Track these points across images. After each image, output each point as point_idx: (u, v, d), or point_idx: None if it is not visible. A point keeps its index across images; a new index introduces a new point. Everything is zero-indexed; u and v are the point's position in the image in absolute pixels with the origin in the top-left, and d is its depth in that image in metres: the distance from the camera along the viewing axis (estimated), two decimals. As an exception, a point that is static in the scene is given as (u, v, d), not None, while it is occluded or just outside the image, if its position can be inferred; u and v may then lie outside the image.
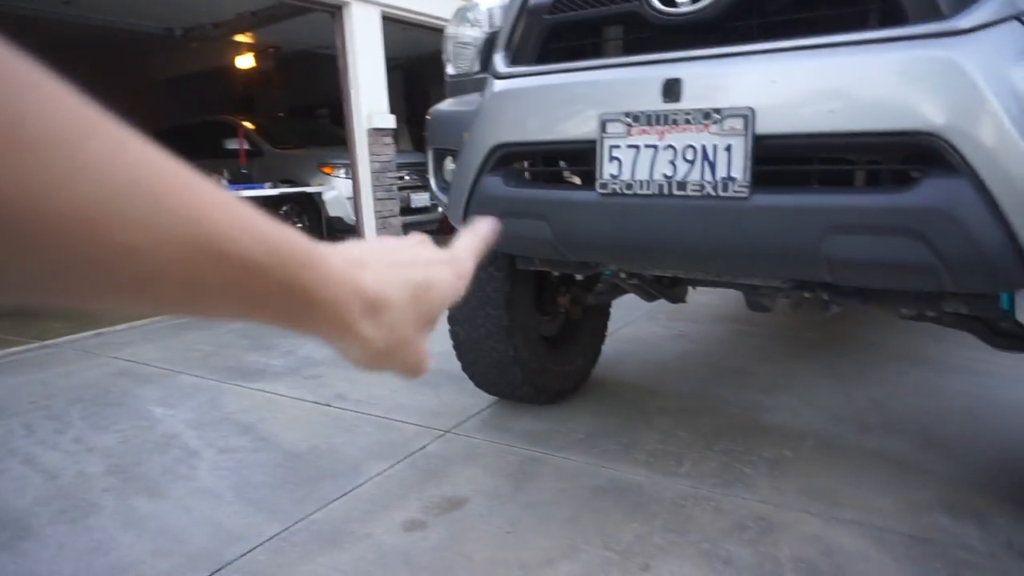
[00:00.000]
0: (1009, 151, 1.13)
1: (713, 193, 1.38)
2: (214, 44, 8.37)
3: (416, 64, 10.15)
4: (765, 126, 1.32)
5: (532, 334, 2.44)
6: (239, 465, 2.20)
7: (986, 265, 1.19)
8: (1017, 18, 1.18)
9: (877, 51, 1.24)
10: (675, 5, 1.49)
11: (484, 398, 2.67)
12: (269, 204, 6.60)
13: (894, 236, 1.24)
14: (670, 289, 2.26)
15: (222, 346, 3.70)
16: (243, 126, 7.69)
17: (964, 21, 1.19)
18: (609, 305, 2.84)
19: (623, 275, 2.09)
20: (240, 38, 8.33)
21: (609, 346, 3.30)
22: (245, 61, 9.29)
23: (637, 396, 2.68)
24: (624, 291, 2.44)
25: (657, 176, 1.46)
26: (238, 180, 6.85)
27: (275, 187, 6.48)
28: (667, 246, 1.51)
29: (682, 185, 1.43)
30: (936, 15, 1.22)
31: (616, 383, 2.84)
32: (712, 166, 1.38)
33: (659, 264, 1.72)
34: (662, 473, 2.05)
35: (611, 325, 3.64)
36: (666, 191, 1.45)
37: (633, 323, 3.75)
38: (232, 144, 7.44)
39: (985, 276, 1.22)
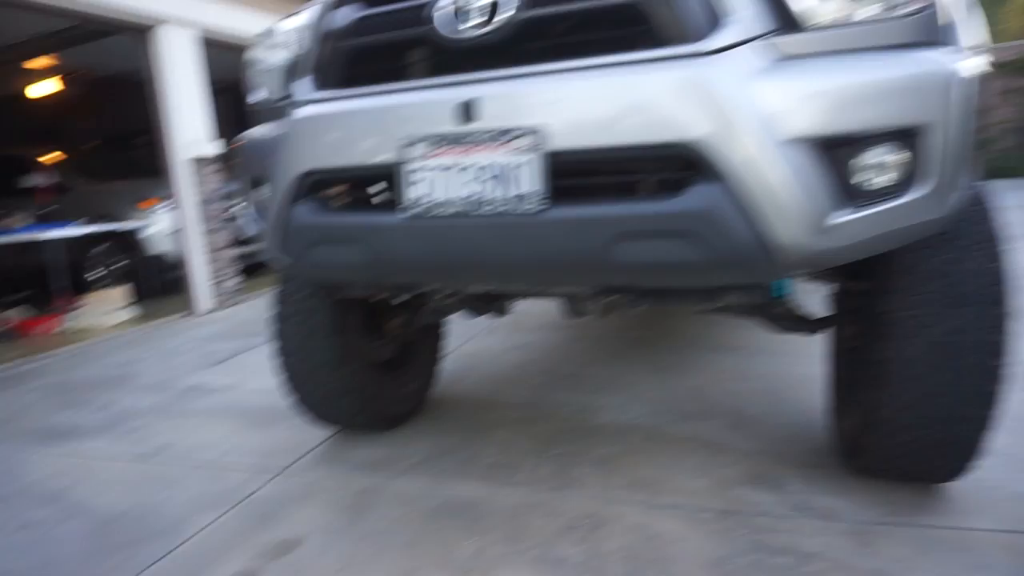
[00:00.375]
0: (752, 159, 1.28)
1: (512, 210, 1.45)
2: (8, 68, 7.54)
3: (245, 88, 9.73)
4: (554, 143, 1.41)
5: (365, 360, 2.41)
6: (42, 540, 1.99)
7: (743, 260, 1.34)
8: (754, 40, 1.33)
9: (644, 71, 1.36)
10: (461, 32, 1.55)
11: (321, 431, 2.60)
12: (81, 245, 6.03)
13: (670, 239, 1.36)
14: (491, 304, 2.32)
15: (25, 407, 3.33)
16: (42, 161, 7.00)
17: (710, 44, 1.34)
18: (443, 324, 2.87)
19: (441, 294, 2.12)
20: (39, 62, 7.58)
21: (449, 364, 3.34)
22: (48, 87, 8.46)
23: (476, 410, 2.72)
24: (454, 309, 2.48)
25: (459, 196, 1.51)
26: (41, 220, 6.21)
27: (86, 225, 5.94)
28: (474, 264, 1.56)
29: (483, 204, 1.48)
30: (688, 38, 1.35)
31: (456, 400, 2.87)
32: (509, 184, 1.45)
33: (470, 281, 1.76)
34: (500, 484, 2.10)
35: (452, 343, 3.69)
36: (468, 211, 1.50)
37: (474, 339, 3.80)
38: (32, 180, 6.74)
39: (744, 269, 1.37)
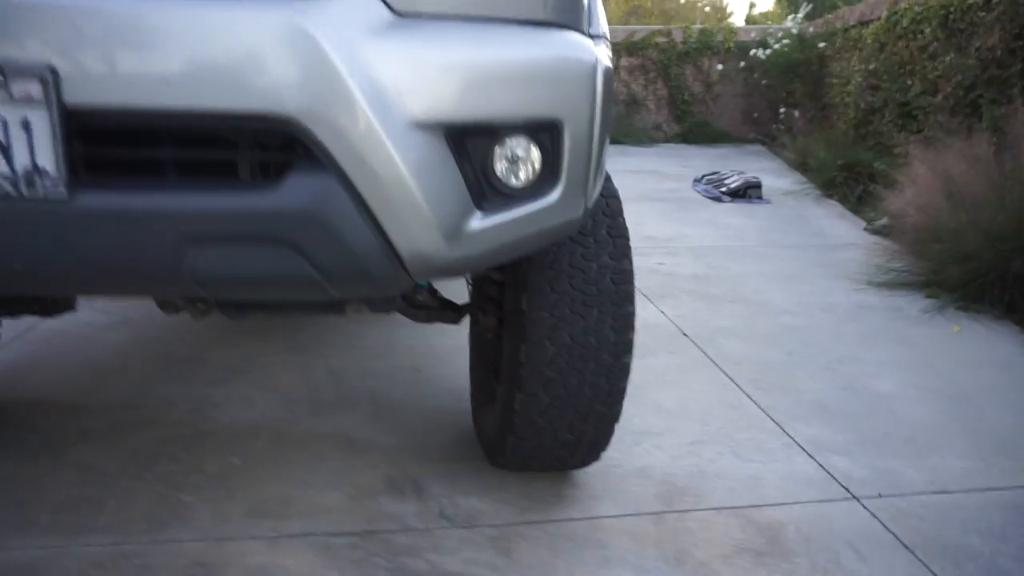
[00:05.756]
0: (368, 141, 1.00)
1: (17, 193, 0.96)
2: None
3: None
4: (79, 94, 0.94)
5: None
6: None
7: (365, 273, 1.08)
8: None
9: (219, 5, 0.98)
10: None
11: None
12: None
13: (263, 246, 1.03)
14: (35, 305, 1.74)
15: None
16: None
17: None
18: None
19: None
20: None
21: (15, 352, 2.56)
22: None
23: (52, 420, 2.09)
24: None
25: None
26: None
27: None
28: None
29: None
30: None
31: (20, 406, 2.18)
32: (6, 152, 0.95)
33: None
34: (71, 534, 1.59)
35: (25, 320, 2.86)
36: None
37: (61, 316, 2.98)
38: None
39: (367, 283, 1.12)
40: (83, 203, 0.97)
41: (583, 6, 1.23)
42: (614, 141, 8.95)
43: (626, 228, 1.61)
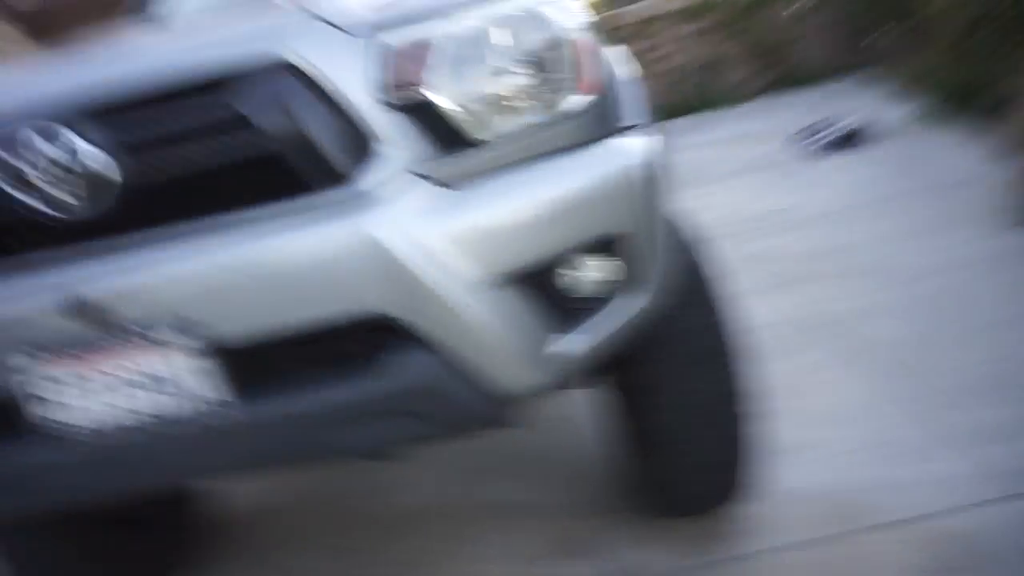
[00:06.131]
0: (447, 313, 1.14)
1: (200, 420, 1.19)
2: None
3: None
4: (224, 332, 1.15)
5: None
6: None
7: (472, 418, 1.25)
8: (410, 171, 1.16)
9: (292, 230, 1.14)
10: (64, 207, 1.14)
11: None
12: None
13: (388, 418, 1.23)
14: None
15: None
16: None
17: (364, 183, 1.15)
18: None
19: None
20: None
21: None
22: None
23: (248, 524, 2.37)
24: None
25: (119, 414, 1.19)
26: None
27: None
28: (172, 475, 1.36)
29: (158, 418, 1.19)
30: (336, 180, 1.14)
31: (230, 515, 2.48)
32: (183, 391, 1.18)
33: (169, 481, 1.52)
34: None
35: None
36: (141, 426, 1.19)
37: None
38: None
39: (476, 424, 1.29)
40: (252, 416, 1.19)
41: (611, 110, 1.31)
42: (692, 111, 8.73)
43: (713, 286, 1.62)
